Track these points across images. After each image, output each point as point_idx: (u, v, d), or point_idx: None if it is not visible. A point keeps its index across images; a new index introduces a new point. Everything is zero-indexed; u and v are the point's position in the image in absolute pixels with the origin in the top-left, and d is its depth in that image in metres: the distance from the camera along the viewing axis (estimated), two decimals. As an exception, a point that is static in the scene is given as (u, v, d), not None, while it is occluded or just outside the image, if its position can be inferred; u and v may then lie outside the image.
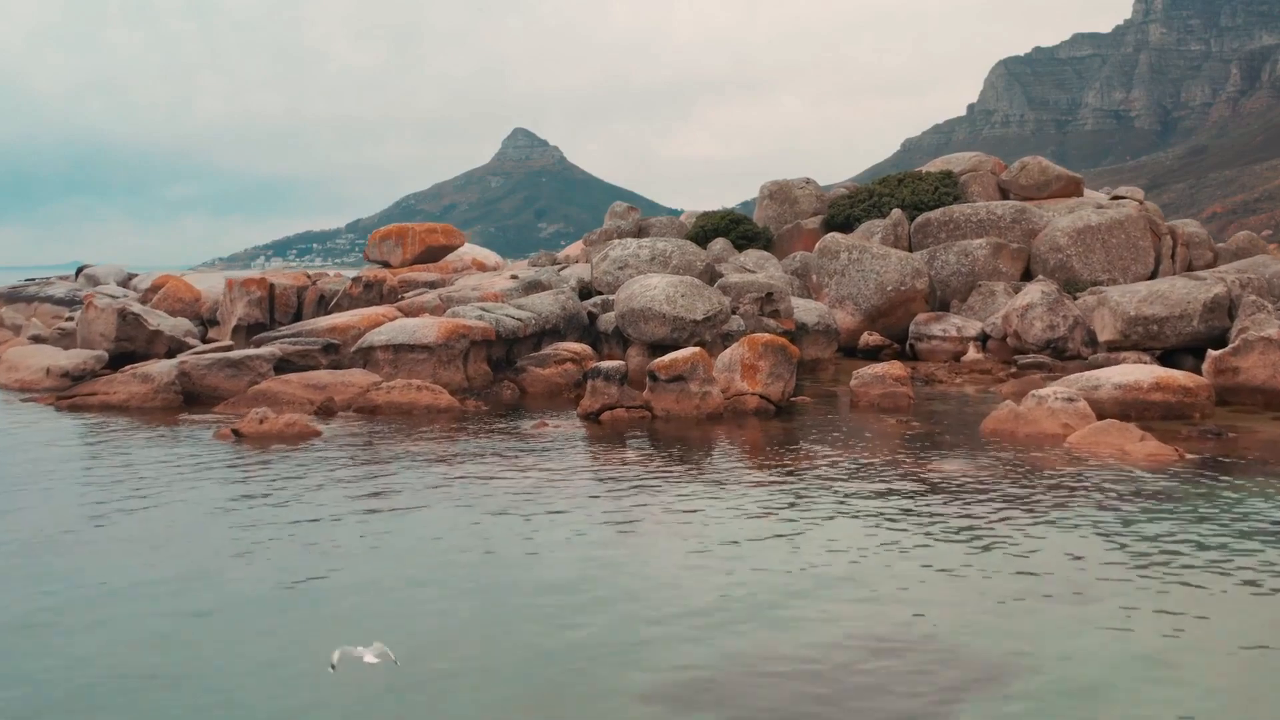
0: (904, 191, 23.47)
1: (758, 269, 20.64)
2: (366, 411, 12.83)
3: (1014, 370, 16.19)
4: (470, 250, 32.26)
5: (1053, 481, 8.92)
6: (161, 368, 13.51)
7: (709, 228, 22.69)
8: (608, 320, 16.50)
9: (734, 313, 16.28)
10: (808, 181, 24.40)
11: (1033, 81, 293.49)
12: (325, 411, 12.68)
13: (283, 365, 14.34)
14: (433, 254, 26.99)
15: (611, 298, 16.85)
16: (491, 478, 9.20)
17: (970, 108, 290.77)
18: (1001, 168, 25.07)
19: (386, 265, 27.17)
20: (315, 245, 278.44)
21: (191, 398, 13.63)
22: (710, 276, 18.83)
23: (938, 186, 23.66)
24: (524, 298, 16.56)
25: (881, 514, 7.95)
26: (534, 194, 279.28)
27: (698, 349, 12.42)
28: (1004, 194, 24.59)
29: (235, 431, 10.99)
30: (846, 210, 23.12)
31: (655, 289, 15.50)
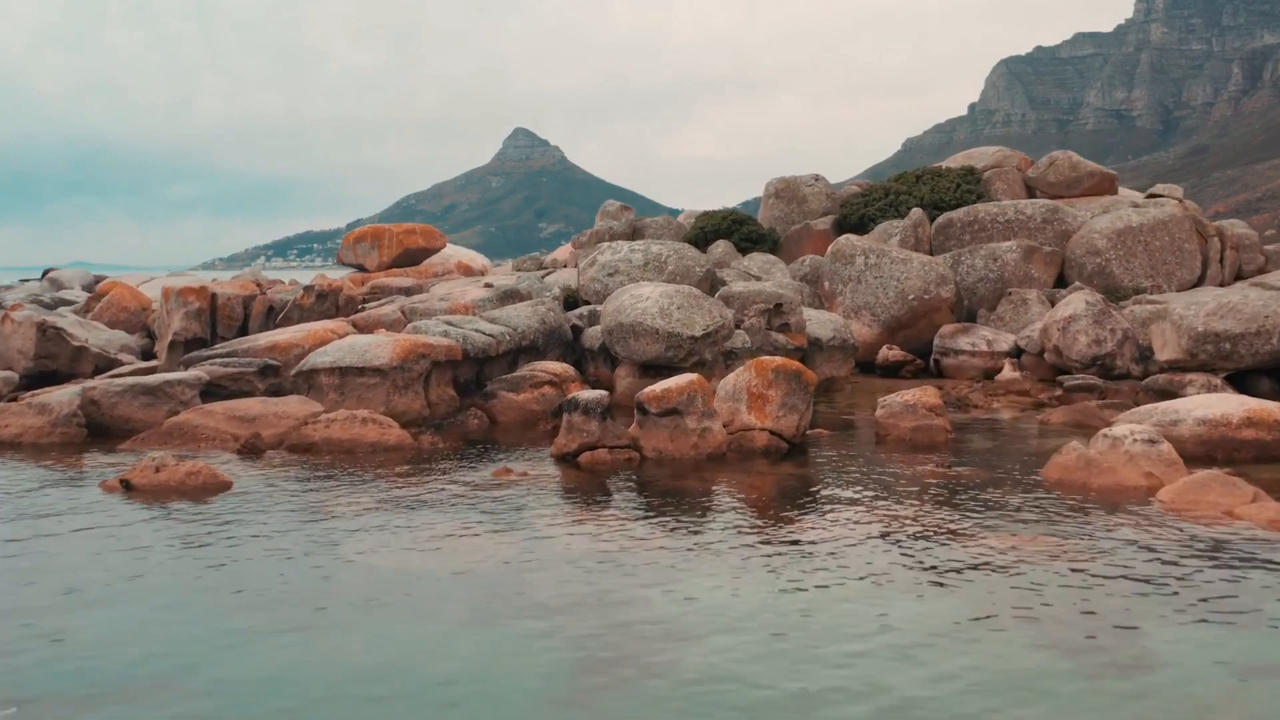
0: (923, 189, 21.31)
1: (763, 275, 18.49)
2: (300, 450, 10.67)
3: (1059, 393, 14.01)
4: (455, 252, 30.18)
5: (1164, 564, 6.75)
6: (62, 396, 11.35)
7: (709, 229, 20.52)
8: (593, 335, 14.34)
9: (738, 326, 14.12)
10: (817, 179, 22.24)
11: (1034, 81, 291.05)
12: (250, 450, 10.53)
13: (212, 391, 12.20)
14: (411, 257, 24.87)
15: (599, 308, 14.68)
16: (419, 573, 7.03)
17: (971, 107, 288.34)
18: (1028, 164, 22.90)
19: (362, 269, 25.04)
20: (315, 245, 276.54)
21: (101, 430, 11.46)
22: (711, 284, 16.66)
23: (959, 184, 21.50)
24: (498, 309, 14.41)
25: (950, 627, 5.76)
26: (534, 194, 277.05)
27: (695, 376, 10.25)
28: (1030, 192, 22.46)
29: (124, 482, 8.83)
30: (860, 210, 20.94)
31: (647, 300, 13.34)
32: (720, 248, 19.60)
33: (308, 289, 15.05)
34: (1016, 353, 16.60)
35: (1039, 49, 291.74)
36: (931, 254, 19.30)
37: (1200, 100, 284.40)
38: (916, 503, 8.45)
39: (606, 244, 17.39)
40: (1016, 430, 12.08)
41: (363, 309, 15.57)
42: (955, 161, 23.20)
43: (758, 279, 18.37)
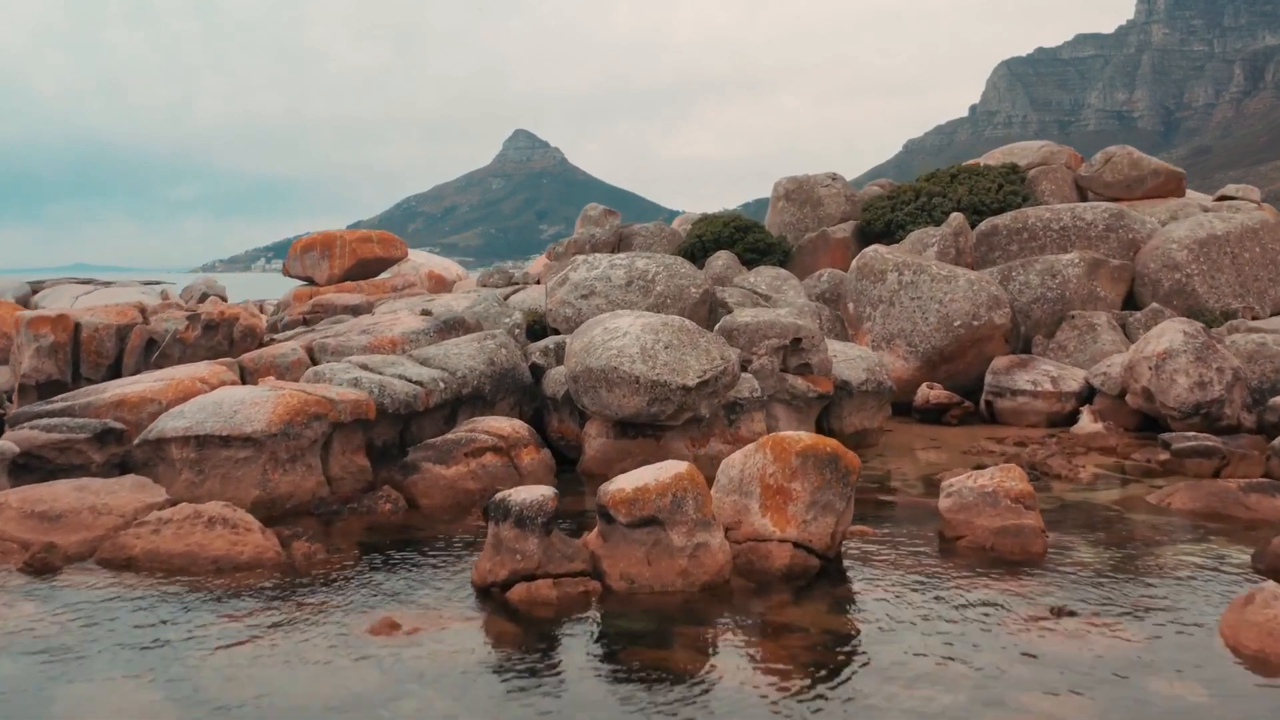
0: (959, 190, 17.91)
1: (773, 294, 15.09)
2: (116, 566, 7.30)
3: (1164, 457, 10.60)
4: (426, 261, 26.81)
5: None
6: None
7: (708, 238, 17.13)
8: (557, 379, 10.96)
9: (745, 368, 10.74)
10: (834, 178, 18.82)
11: (1035, 82, 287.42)
12: (40, 567, 7.17)
13: (31, 466, 8.83)
14: (367, 268, 21.47)
15: (568, 340, 11.28)
16: None
17: (972, 108, 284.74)
18: (1078, 161, 19.50)
19: (311, 282, 21.63)
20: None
21: None
22: (710, 308, 13.26)
23: (1002, 184, 18.11)
24: (434, 346, 11.01)
25: None
26: (535, 195, 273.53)
27: (684, 468, 6.84)
28: (1081, 194, 19.05)
29: None
30: (886, 214, 17.54)
31: (625, 336, 9.96)
32: (721, 260, 16.20)
33: (192, 318, 11.62)
34: (1088, 393, 13.23)
35: (1040, 50, 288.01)
36: (974, 268, 15.92)
37: (1202, 101, 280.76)
38: (1034, 699, 5.05)
39: (582, 258, 13.98)
40: (1129, 522, 8.65)
41: (270, 341, 12.16)
42: (994, 158, 19.80)
43: (766, 298, 15.00)
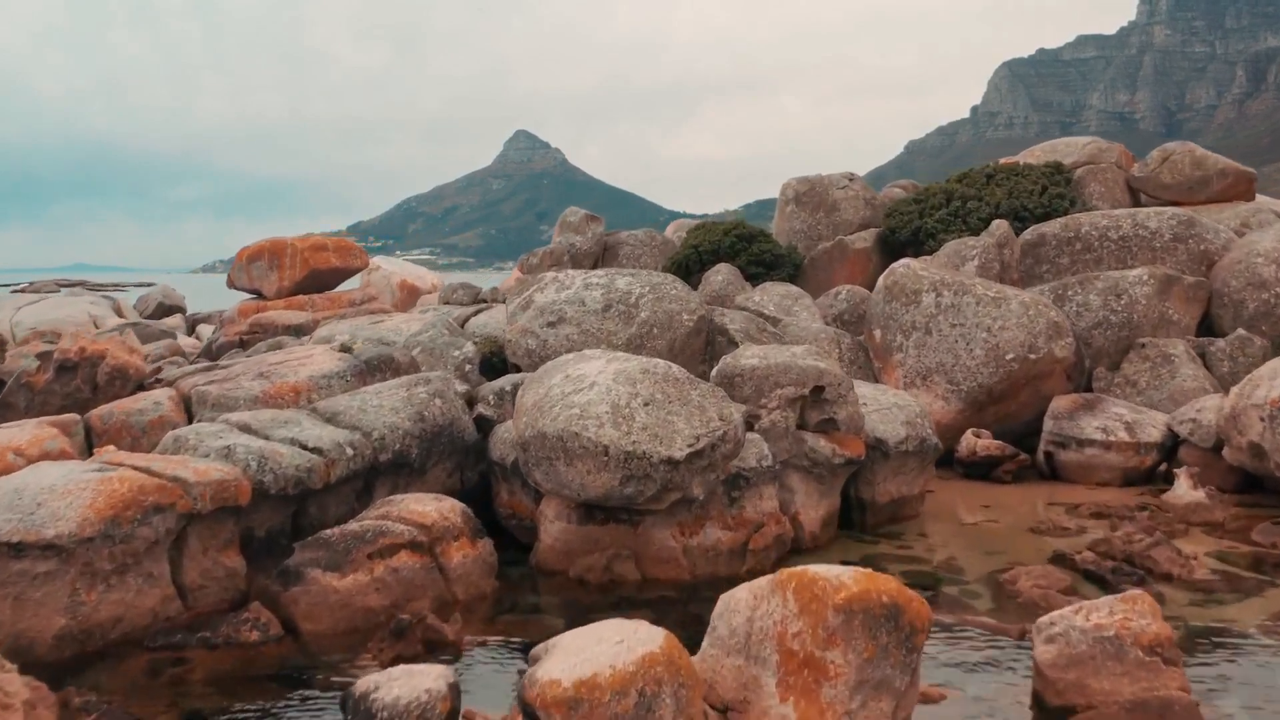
0: (997, 193, 15.32)
1: (783, 315, 12.54)
2: None
3: (1302, 544, 8.03)
4: (397, 269, 24.28)
5: None
6: None
7: (706, 248, 14.54)
8: (506, 440, 8.37)
9: (752, 426, 8.16)
10: (851, 179, 16.23)
11: (1036, 83, 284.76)
12: None
13: None
14: (321, 279, 18.86)
15: (520, 391, 8.68)
16: None
17: (974, 109, 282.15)
18: (1130, 159, 16.91)
19: (259, 296, 19.03)
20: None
21: None
22: (706, 338, 10.68)
23: (1046, 185, 15.52)
24: (350, 394, 8.43)
25: None
26: (535, 196, 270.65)
27: (656, 647, 4.28)
28: (1134, 196, 16.48)
29: None
30: (913, 220, 14.95)
31: (593, 389, 7.38)
32: (721, 275, 13.62)
33: (43, 358, 9.03)
34: (1171, 443, 10.67)
35: (1041, 51, 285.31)
36: (1019, 285, 13.36)
37: (1203, 103, 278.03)
38: None
39: (551, 275, 11.39)
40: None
41: (153, 384, 9.53)
42: (1034, 156, 17.20)
43: (774, 321, 12.43)
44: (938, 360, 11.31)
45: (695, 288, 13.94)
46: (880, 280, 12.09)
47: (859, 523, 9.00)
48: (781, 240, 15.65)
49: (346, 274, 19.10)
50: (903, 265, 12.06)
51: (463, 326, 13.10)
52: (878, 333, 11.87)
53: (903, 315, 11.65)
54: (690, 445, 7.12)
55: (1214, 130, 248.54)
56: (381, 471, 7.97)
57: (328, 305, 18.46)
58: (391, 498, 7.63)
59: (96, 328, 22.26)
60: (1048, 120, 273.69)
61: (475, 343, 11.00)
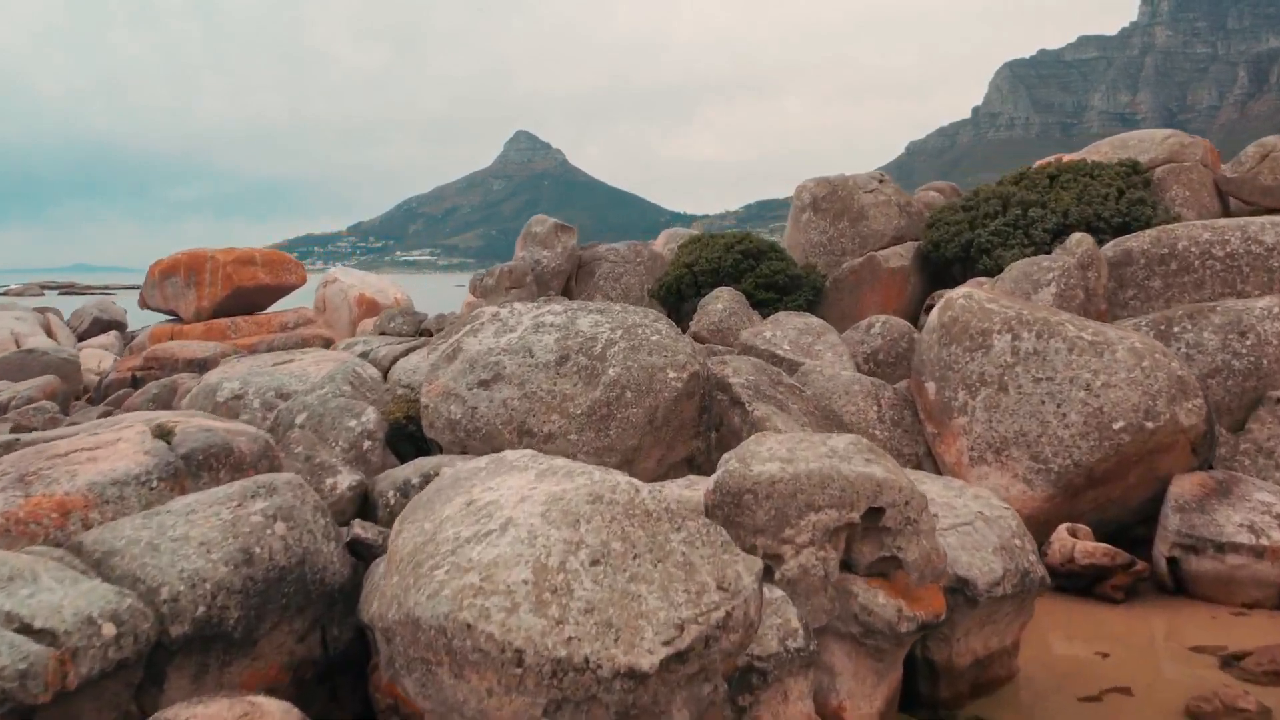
0: (1063, 197, 12.23)
1: (803, 357, 9.48)
2: None
3: None
4: (355, 282, 21.22)
5: None
6: None
7: (704, 268, 11.45)
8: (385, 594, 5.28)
9: (771, 573, 5.06)
10: (881, 179, 13.12)
11: (1038, 84, 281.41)
12: None
13: None
14: (248, 299, 15.77)
15: (392, 530, 5.62)
16: None
17: (975, 110, 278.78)
18: (1216, 156, 13.83)
19: (176, 319, 15.95)
20: (316, 248, 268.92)
21: None
22: (700, 403, 7.60)
23: (1122, 188, 12.43)
24: (145, 514, 5.37)
25: None
26: (536, 197, 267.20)
27: None
28: (1223, 201, 13.42)
29: None
30: (963, 232, 11.86)
31: (507, 535, 4.30)
32: (722, 304, 10.54)
33: None
34: (1344, 546, 7.59)
35: (1043, 52, 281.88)
36: (1104, 319, 10.31)
37: (1205, 104, 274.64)
38: None
39: (492, 311, 8.29)
40: None
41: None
42: (1099, 152, 14.09)
43: (793, 368, 9.39)
44: (1017, 428, 8.21)
45: (689, 316, 10.87)
46: (934, 315, 8.98)
47: (927, 697, 5.93)
48: (796, 256, 12.57)
49: (278, 292, 16.03)
50: (964, 295, 8.95)
51: (386, 372, 10.04)
52: (931, 386, 8.77)
53: (967, 364, 8.55)
54: (668, 643, 4.06)
55: (1216, 132, 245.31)
56: (177, 651, 4.90)
57: (254, 330, 15.42)
58: (184, 706, 4.56)
59: (18, 346, 19.26)
60: (1049, 121, 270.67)
61: (384, 408, 7.92)
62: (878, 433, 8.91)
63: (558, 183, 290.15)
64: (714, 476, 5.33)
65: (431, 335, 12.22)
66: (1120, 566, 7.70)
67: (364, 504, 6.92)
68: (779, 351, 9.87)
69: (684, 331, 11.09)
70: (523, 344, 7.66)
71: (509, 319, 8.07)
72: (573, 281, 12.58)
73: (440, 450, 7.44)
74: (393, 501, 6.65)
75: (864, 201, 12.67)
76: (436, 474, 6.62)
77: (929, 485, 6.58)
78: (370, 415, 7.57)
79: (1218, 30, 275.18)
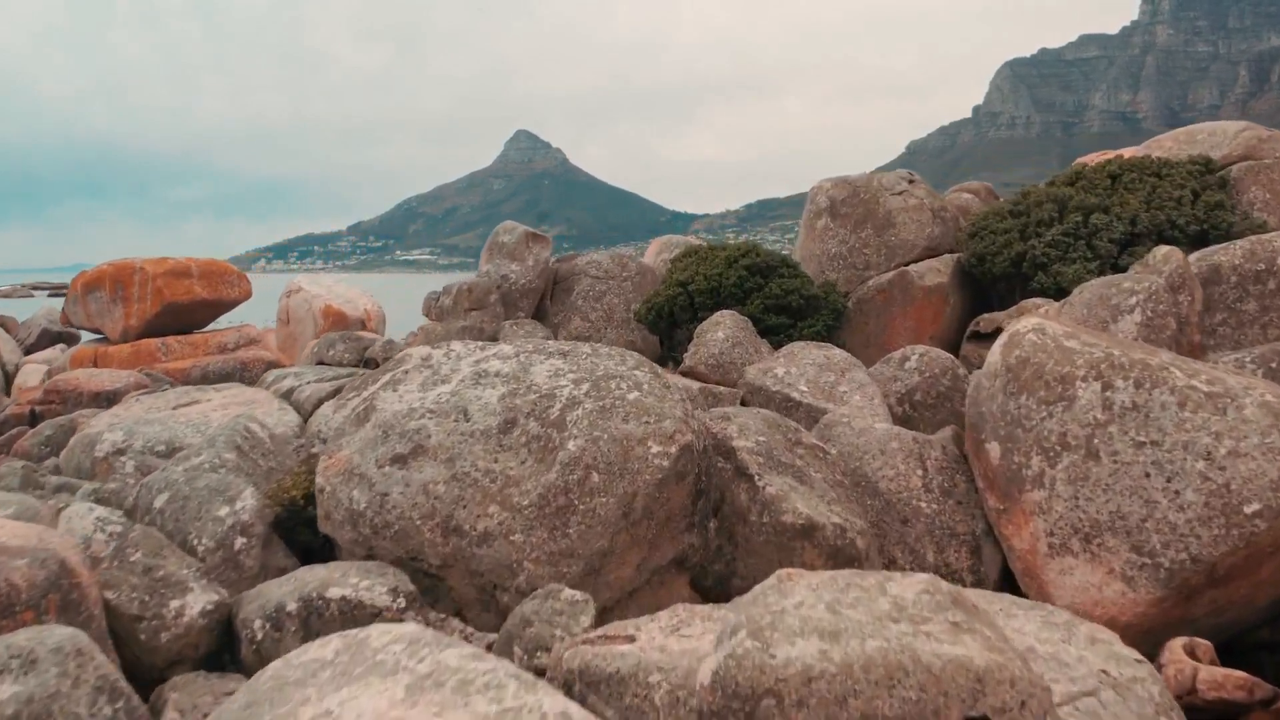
0: (1130, 200, 10.20)
1: (825, 402, 7.47)
2: None
3: None
4: (322, 292, 19.19)
5: None
6: None
7: (701, 288, 9.40)
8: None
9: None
10: (911, 179, 11.09)
11: (1039, 83, 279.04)
12: None
13: None
14: (182, 315, 13.73)
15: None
16: None
17: (975, 109, 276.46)
18: (1298, 152, 11.78)
19: (103, 338, 13.93)
20: (316, 248, 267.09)
21: None
22: (696, 483, 5.53)
23: (1197, 189, 10.40)
24: None
25: None
26: (536, 196, 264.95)
27: None
28: (1307, 205, 11.33)
29: None
30: (1013, 243, 9.83)
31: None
32: (723, 332, 8.52)
33: None
34: None
35: (1044, 51, 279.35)
36: (1201, 352, 8.30)
37: (1206, 102, 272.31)
38: None
39: (421, 354, 6.25)
40: None
41: None
42: (1160, 146, 12.06)
43: (814, 415, 7.42)
44: (1113, 508, 6.19)
45: (683, 346, 8.88)
46: (996, 354, 6.94)
47: None
48: (811, 270, 10.55)
49: (219, 307, 14.01)
50: (1034, 329, 6.92)
51: (306, 420, 8.04)
52: (994, 448, 6.74)
53: (1042, 421, 6.53)
54: None
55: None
56: None
57: (188, 352, 13.41)
58: None
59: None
60: (1050, 120, 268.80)
61: (280, 482, 5.90)
62: (923, 504, 6.91)
63: (558, 182, 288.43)
64: (712, 663, 3.31)
65: (378, 364, 10.21)
66: (1260, 703, 5.68)
67: (227, 633, 4.93)
68: (794, 394, 7.87)
69: (677, 366, 9.08)
70: (456, 402, 5.65)
71: (442, 365, 6.06)
72: (547, 300, 10.59)
73: (339, 553, 5.44)
74: (259, 636, 4.66)
75: (891, 205, 10.64)
76: (322, 598, 4.65)
77: (1020, 619, 4.58)
78: (247, 502, 5.56)
79: (1219, 29, 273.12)
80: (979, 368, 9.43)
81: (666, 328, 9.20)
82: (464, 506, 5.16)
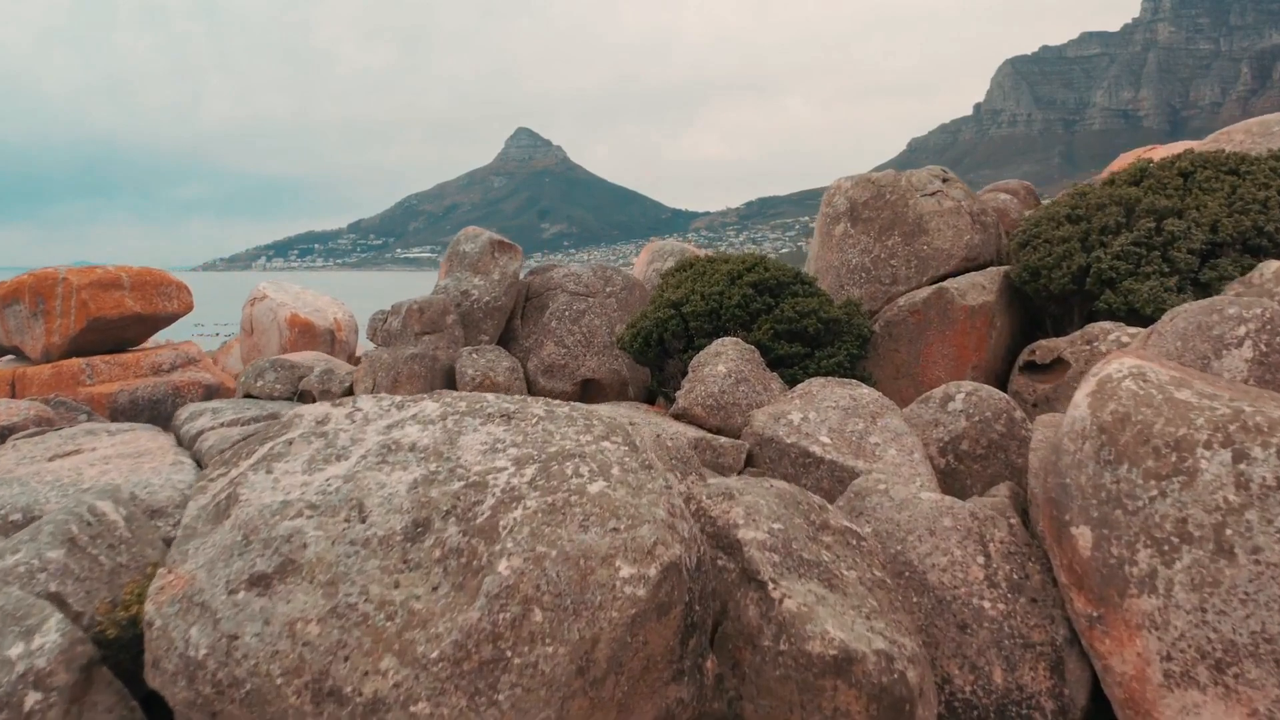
0: (1206, 203, 8.51)
1: (853, 460, 5.79)
2: None
3: None
4: (288, 300, 17.67)
5: None
6: None
7: (696, 309, 7.73)
8: None
9: None
10: (946, 178, 9.41)
11: (1040, 81, 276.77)
12: None
13: None
14: (114, 332, 12.07)
15: None
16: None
17: (977, 107, 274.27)
18: (1393, 146, 10.10)
19: (21, 358, 12.33)
20: (317, 246, 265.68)
21: None
22: (683, 617, 3.82)
23: (1286, 190, 8.70)
24: None
25: None
26: (537, 194, 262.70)
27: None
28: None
29: None
30: (1073, 255, 8.15)
31: None
32: (724, 365, 6.85)
33: None
34: None
35: (1045, 48, 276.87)
36: (1321, 392, 6.58)
37: (1208, 100, 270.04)
38: None
39: (314, 418, 4.58)
40: None
41: None
42: (1232, 140, 10.37)
43: (841, 477, 5.75)
44: (1255, 625, 4.53)
45: (674, 381, 7.25)
46: (1083, 407, 5.26)
47: None
48: (828, 284, 8.88)
49: (155, 322, 12.36)
50: (1132, 373, 5.24)
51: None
52: (1084, 534, 5.06)
53: (1152, 501, 4.86)
54: None
55: (1219, 128, 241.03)
56: None
57: (117, 373, 11.75)
58: None
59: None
60: (1051, 117, 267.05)
61: (105, 609, 4.25)
62: (987, 603, 5.26)
63: (558, 180, 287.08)
64: None
65: (314, 400, 8.58)
66: None
67: None
68: (814, 448, 6.21)
69: (668, 406, 7.42)
70: (350, 492, 3.99)
71: (340, 433, 4.40)
72: (517, 320, 8.92)
73: (171, 717, 3.78)
74: None
75: (922, 209, 8.95)
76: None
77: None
78: (50, 636, 3.90)
79: (1220, 26, 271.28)
80: (1034, 406, 7.76)
81: (655, 358, 7.54)
82: (345, 657, 3.51)
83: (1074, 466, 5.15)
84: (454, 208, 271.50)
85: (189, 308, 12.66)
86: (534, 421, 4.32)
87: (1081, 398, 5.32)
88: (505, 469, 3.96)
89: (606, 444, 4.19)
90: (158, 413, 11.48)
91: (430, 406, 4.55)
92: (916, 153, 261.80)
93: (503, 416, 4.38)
